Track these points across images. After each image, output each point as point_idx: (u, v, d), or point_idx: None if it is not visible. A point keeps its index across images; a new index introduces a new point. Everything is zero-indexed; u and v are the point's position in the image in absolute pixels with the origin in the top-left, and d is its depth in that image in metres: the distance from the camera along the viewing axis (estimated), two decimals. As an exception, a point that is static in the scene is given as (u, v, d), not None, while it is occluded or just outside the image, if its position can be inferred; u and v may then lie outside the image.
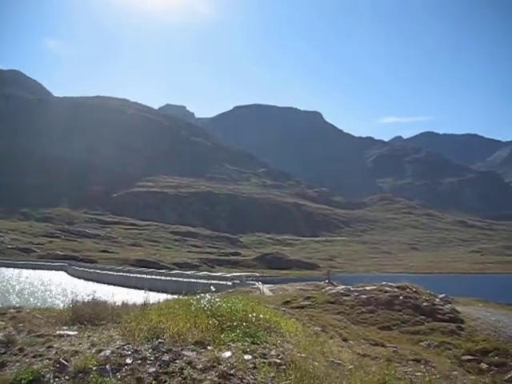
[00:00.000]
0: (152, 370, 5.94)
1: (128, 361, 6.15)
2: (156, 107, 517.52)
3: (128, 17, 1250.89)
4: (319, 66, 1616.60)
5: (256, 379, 5.91)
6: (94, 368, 5.87)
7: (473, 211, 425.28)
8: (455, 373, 10.70)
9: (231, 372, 5.96)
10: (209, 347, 6.74)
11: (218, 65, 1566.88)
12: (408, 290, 22.50)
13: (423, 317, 19.34)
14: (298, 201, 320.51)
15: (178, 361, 6.18)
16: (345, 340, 12.69)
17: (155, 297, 13.97)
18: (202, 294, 9.44)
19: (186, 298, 9.88)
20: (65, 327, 8.20)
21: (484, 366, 13.59)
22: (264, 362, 6.40)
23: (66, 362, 6.09)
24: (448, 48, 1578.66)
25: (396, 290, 22.19)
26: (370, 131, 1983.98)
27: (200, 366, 6.06)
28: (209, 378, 5.80)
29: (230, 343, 6.97)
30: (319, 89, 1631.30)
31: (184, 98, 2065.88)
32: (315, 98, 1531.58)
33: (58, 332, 7.65)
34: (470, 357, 14.30)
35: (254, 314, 8.40)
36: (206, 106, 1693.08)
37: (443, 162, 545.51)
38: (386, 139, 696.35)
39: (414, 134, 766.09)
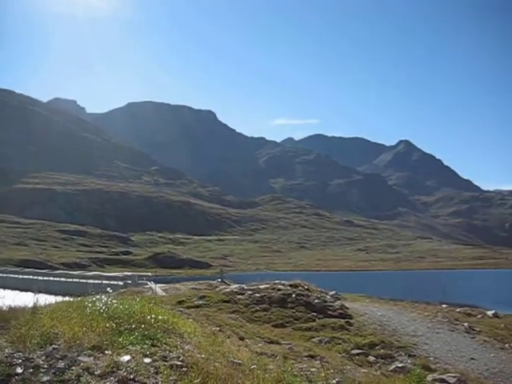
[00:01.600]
0: (46, 378, 5.53)
1: (18, 370, 5.67)
2: (44, 100, 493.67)
3: (14, 5, 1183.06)
4: (213, 65, 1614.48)
5: (158, 383, 5.74)
6: (-22, 380, 5.41)
7: (359, 211, 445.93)
8: (347, 367, 11.09)
9: (131, 377, 5.69)
10: (107, 352, 6.42)
11: (109, 59, 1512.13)
12: (300, 287, 23.04)
13: (315, 313, 19.88)
14: (191, 200, 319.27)
15: (74, 367, 5.77)
16: (241, 339, 12.77)
17: (45, 299, 13.28)
18: (98, 296, 9.10)
19: (80, 299, 9.47)
20: None
21: (371, 358, 14.22)
22: (165, 365, 6.20)
23: None
24: (334, 52, 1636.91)
25: (289, 287, 22.65)
26: (262, 132, 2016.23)
27: (98, 372, 5.73)
28: (108, 384, 5.55)
29: (129, 346, 6.70)
30: (213, 88, 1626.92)
31: (74, 92, 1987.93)
32: (209, 97, 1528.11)
33: None
34: (358, 350, 14.90)
35: (153, 316, 8.21)
36: (97, 101, 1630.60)
37: (332, 164, 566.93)
38: (278, 140, 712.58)
39: (305, 136, 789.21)
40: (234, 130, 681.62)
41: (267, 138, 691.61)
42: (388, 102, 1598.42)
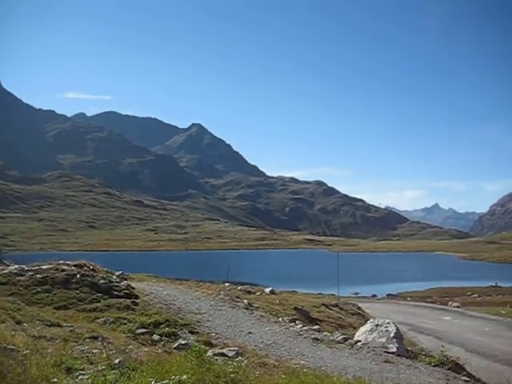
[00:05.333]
0: None
1: None
2: None
3: None
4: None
5: None
6: None
7: (150, 192, 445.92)
8: (130, 347, 11.07)
9: None
10: None
11: None
12: (85, 268, 22.39)
13: (100, 294, 19.49)
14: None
15: None
16: (18, 323, 12.02)
17: None
18: None
19: None
20: None
21: (156, 337, 14.38)
22: None
23: None
24: (127, 31, 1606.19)
25: (73, 268, 21.87)
26: (52, 104, 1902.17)
27: None
28: None
29: None
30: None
31: None
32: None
33: None
34: (143, 330, 14.97)
35: None
36: None
37: (124, 143, 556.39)
38: (69, 115, 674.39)
39: (98, 113, 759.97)
40: (20, 100, 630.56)
41: (57, 112, 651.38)
42: (181, 85, 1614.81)
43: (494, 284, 71.99)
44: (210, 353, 11.19)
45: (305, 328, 17.94)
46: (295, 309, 23.62)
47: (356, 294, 58.87)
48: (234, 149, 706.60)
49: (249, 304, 21.80)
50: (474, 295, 59.64)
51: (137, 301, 19.34)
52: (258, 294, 27.68)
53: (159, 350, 11.29)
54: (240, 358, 11.42)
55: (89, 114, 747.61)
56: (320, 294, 47.63)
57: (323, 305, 28.77)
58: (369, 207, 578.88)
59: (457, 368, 14.26)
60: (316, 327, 18.99)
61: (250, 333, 16.06)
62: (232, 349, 12.35)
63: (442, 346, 15.26)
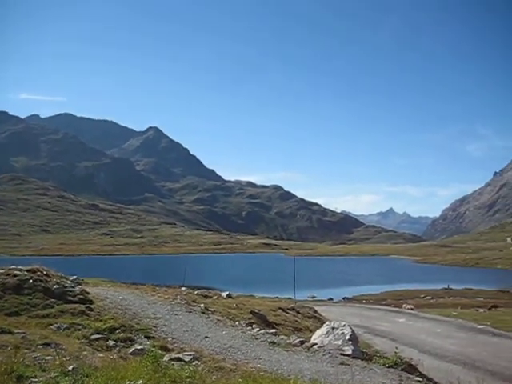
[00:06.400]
0: None
1: None
2: None
3: None
4: None
5: None
6: None
7: (105, 195, 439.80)
8: (84, 353, 10.89)
9: None
10: None
11: None
12: (39, 273, 21.88)
13: (54, 300, 19.07)
14: None
15: None
16: (-33, 330, 11.69)
17: None
18: None
19: None
20: None
21: (111, 342, 14.16)
22: None
23: None
24: (84, 33, 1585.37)
25: (26, 273, 21.34)
26: (4, 106, 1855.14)
27: None
28: None
29: None
30: None
31: None
32: None
33: None
34: (98, 336, 14.72)
35: None
36: None
37: (79, 145, 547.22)
38: (22, 116, 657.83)
39: (52, 114, 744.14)
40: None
41: (10, 113, 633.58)
42: (138, 88, 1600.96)
43: (446, 286, 73.64)
44: (166, 358, 11.12)
45: (261, 332, 17.98)
46: (252, 313, 23.65)
47: (312, 297, 59.39)
48: (191, 152, 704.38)
49: (205, 308, 21.73)
50: (427, 297, 60.97)
51: (92, 306, 19.01)
52: (214, 298, 27.59)
53: (114, 356, 11.15)
54: (197, 362, 11.38)
55: (43, 115, 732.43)
56: (277, 297, 47.88)
57: (280, 308, 28.89)
58: (325, 211, 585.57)
59: (410, 369, 14.55)
60: (273, 331, 19.06)
61: (206, 337, 16.00)
62: (188, 353, 12.29)
63: (396, 348, 15.54)
